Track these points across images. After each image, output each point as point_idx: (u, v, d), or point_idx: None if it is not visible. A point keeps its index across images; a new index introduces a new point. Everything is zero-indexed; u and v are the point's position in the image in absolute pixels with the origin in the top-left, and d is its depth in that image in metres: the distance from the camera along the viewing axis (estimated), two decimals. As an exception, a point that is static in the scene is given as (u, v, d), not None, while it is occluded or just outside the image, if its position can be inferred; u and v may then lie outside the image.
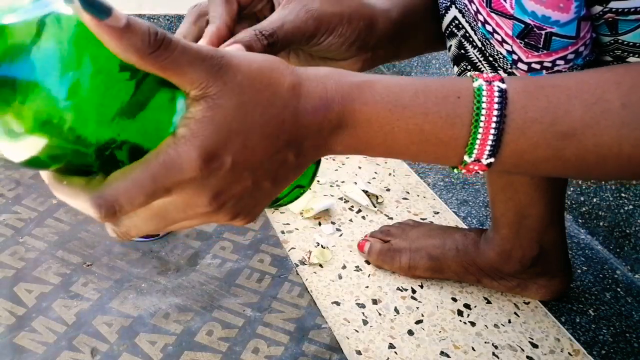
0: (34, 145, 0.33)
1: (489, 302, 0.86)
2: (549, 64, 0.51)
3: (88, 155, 0.35)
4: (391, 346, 0.77)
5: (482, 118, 0.40)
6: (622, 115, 0.40)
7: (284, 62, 0.40)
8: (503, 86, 0.41)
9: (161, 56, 0.33)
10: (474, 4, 0.52)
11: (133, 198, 0.35)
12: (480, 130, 0.40)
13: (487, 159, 0.42)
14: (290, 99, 0.38)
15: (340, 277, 0.88)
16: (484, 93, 0.40)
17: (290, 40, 0.50)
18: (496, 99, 0.40)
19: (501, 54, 0.53)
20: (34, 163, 0.35)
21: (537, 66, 0.52)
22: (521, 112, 0.41)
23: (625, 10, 0.46)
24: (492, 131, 0.40)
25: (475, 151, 0.41)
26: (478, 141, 0.41)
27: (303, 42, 0.51)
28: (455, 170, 0.44)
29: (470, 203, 1.10)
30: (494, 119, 0.40)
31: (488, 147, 0.41)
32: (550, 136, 0.41)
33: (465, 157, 0.42)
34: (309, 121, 0.39)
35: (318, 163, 0.52)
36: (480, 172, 0.44)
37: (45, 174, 0.39)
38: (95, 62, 0.33)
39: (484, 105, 0.40)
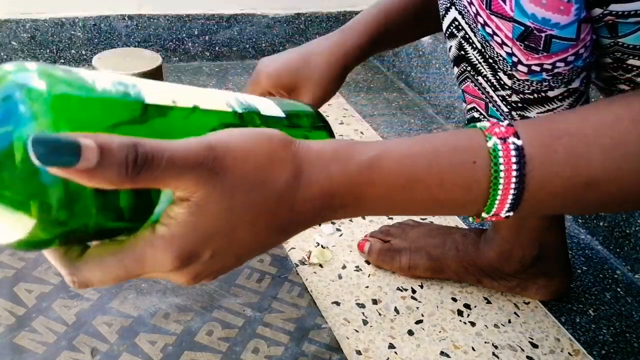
0: (28, 224, 0.32)
1: (489, 302, 0.86)
2: (549, 66, 0.51)
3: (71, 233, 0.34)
4: (391, 346, 0.77)
5: (501, 180, 0.39)
6: None
7: (287, 144, 0.38)
8: (519, 143, 0.39)
9: (141, 178, 0.32)
10: (474, 5, 0.52)
11: (104, 282, 0.35)
12: (500, 193, 0.40)
13: (505, 213, 0.41)
14: (287, 192, 0.37)
15: (340, 277, 0.88)
16: (500, 154, 0.39)
17: None
18: (513, 159, 0.39)
19: (501, 56, 0.53)
20: (32, 244, 0.33)
21: (537, 68, 0.52)
22: (540, 168, 0.40)
23: (625, 12, 0.46)
24: (512, 192, 0.40)
25: (494, 210, 0.41)
26: (497, 202, 0.40)
27: None
28: (471, 219, 0.43)
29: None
30: (513, 179, 0.39)
31: (507, 206, 0.41)
32: (571, 187, 0.40)
33: (484, 214, 0.41)
34: (306, 210, 0.38)
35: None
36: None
37: None
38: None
39: (501, 167, 0.39)
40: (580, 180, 0.40)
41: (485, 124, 0.41)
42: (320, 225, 0.41)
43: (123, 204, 0.34)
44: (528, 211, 0.41)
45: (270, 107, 0.47)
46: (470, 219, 0.43)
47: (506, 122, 0.41)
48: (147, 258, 0.35)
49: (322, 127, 0.51)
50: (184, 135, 0.35)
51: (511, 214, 0.41)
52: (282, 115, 0.47)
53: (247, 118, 0.43)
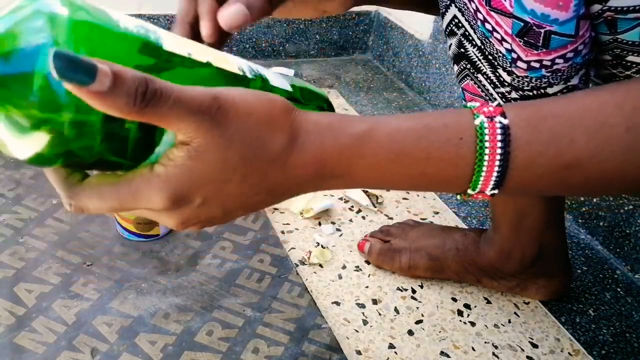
0: (38, 141, 0.34)
1: (489, 302, 0.86)
2: (548, 63, 0.51)
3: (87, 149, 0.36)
4: (391, 346, 0.77)
5: (486, 157, 0.40)
6: (627, 139, 0.40)
7: (288, 110, 0.39)
8: (505, 122, 0.41)
9: (147, 112, 0.33)
10: (474, 2, 0.52)
11: (99, 209, 0.37)
12: (484, 169, 0.41)
13: (490, 190, 0.42)
14: (281, 154, 0.39)
15: (340, 277, 0.88)
16: (487, 132, 0.40)
17: None
18: (499, 137, 0.40)
19: (500, 52, 0.53)
20: (39, 160, 0.35)
21: (537, 64, 0.52)
22: (525, 147, 0.41)
23: (625, 8, 0.46)
24: (496, 169, 0.41)
25: (479, 186, 0.42)
26: (482, 178, 0.41)
27: None
28: (458, 197, 0.44)
29: (470, 203, 1.10)
30: (498, 157, 0.40)
31: (492, 183, 0.42)
32: (555, 168, 0.41)
33: (469, 191, 0.42)
34: (297, 175, 0.40)
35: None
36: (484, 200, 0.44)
37: None
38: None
39: (487, 144, 0.40)
40: (563, 160, 0.41)
41: (475, 103, 0.43)
42: (313, 192, 0.42)
43: (127, 138, 0.36)
44: (513, 190, 0.43)
45: (279, 80, 0.48)
46: (458, 196, 0.44)
47: (496, 102, 0.42)
48: (141, 193, 0.36)
49: (326, 110, 0.51)
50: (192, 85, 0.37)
51: (496, 191, 0.42)
52: (289, 89, 0.49)
53: (254, 84, 0.44)
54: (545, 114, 0.41)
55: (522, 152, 0.41)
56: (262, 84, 0.45)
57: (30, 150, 0.34)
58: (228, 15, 0.47)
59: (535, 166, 0.41)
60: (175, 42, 0.39)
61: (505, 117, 0.41)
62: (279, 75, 0.49)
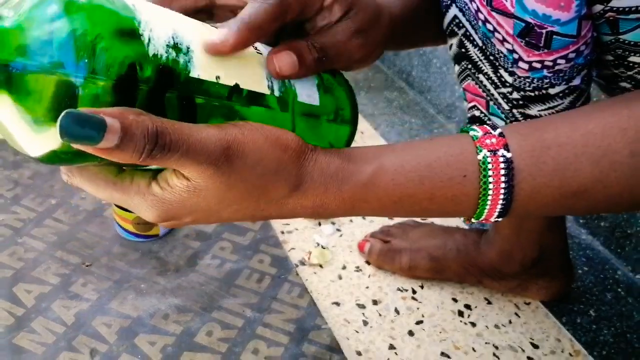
0: (54, 139, 0.33)
1: (489, 302, 0.86)
2: (550, 63, 0.51)
3: None
4: (391, 347, 0.77)
5: (490, 192, 0.41)
6: (631, 164, 0.40)
7: (299, 155, 0.40)
8: (508, 155, 0.41)
9: (154, 162, 0.34)
10: (475, 2, 0.52)
11: (91, 192, 0.39)
12: (488, 203, 0.41)
13: (494, 219, 0.43)
14: (281, 198, 0.40)
15: (340, 277, 0.88)
16: (490, 166, 0.41)
17: (339, 59, 0.47)
18: (502, 171, 0.40)
19: (502, 52, 0.53)
20: (52, 158, 0.35)
21: (538, 65, 0.52)
22: (529, 180, 0.41)
23: (627, 9, 0.46)
24: (500, 202, 0.41)
25: (483, 217, 0.43)
26: (486, 211, 0.42)
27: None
28: (462, 219, 0.46)
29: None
30: (502, 191, 0.41)
31: (496, 214, 0.42)
32: (560, 196, 0.41)
33: (473, 219, 0.43)
34: (294, 212, 0.41)
35: (349, 92, 0.50)
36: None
37: None
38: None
39: (490, 179, 0.41)
40: (569, 190, 0.41)
41: (478, 132, 0.42)
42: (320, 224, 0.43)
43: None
44: (517, 216, 0.44)
45: (309, 91, 0.46)
46: (462, 219, 0.45)
47: (498, 130, 0.42)
48: (134, 201, 0.38)
49: (349, 122, 0.50)
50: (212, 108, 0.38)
51: (500, 219, 0.43)
52: (317, 103, 0.47)
53: (281, 102, 0.44)
54: (549, 143, 0.41)
55: (526, 184, 0.41)
56: (290, 101, 0.44)
57: (45, 147, 0.34)
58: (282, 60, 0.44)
59: (539, 197, 0.41)
60: (203, 65, 0.38)
61: (508, 150, 0.41)
62: (309, 83, 0.46)
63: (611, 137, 0.40)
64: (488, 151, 0.41)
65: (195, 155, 0.35)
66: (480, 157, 0.41)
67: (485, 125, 0.43)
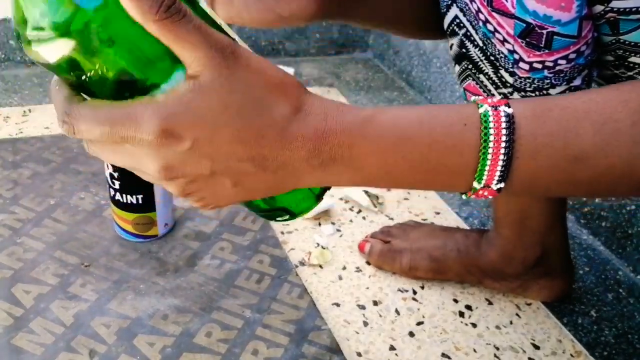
0: (62, 47, 0.35)
1: (490, 303, 0.85)
2: (551, 64, 0.51)
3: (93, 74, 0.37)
4: (392, 348, 0.77)
5: (491, 144, 0.39)
6: (633, 134, 0.39)
7: (300, 86, 0.39)
8: (509, 111, 0.40)
9: (166, 26, 0.34)
10: (475, 3, 0.51)
11: (90, 130, 0.37)
12: (489, 156, 0.40)
13: (496, 184, 0.41)
14: (281, 120, 0.38)
15: (340, 278, 0.88)
16: (491, 119, 0.40)
17: None
18: (503, 124, 0.39)
19: (502, 53, 0.52)
20: (60, 65, 0.37)
21: (539, 65, 0.51)
22: (530, 137, 0.40)
23: (627, 9, 0.46)
24: (502, 157, 0.40)
25: (484, 177, 0.41)
26: (487, 167, 0.40)
27: None
28: (464, 196, 0.43)
29: (471, 203, 1.10)
30: (503, 144, 0.39)
31: (498, 173, 0.40)
32: (562, 160, 0.40)
33: (475, 184, 0.41)
34: (295, 146, 0.39)
35: (320, 197, 0.50)
36: (490, 197, 0.43)
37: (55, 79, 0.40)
38: None
39: (491, 131, 0.39)
40: (570, 152, 0.40)
41: (478, 97, 0.42)
42: (309, 184, 0.41)
43: (140, 61, 0.37)
44: (519, 186, 0.41)
45: None
46: (464, 196, 0.43)
47: (500, 96, 0.41)
48: (134, 116, 0.36)
49: None
50: None
51: (502, 185, 0.41)
52: None
53: None
54: (551, 106, 0.41)
55: (527, 141, 0.40)
56: None
57: (56, 52, 0.36)
58: None
59: (541, 157, 0.40)
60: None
61: (509, 107, 0.40)
62: None
63: (613, 106, 0.40)
64: (489, 106, 0.40)
65: (206, 34, 0.35)
66: (481, 110, 0.40)
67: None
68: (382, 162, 0.40)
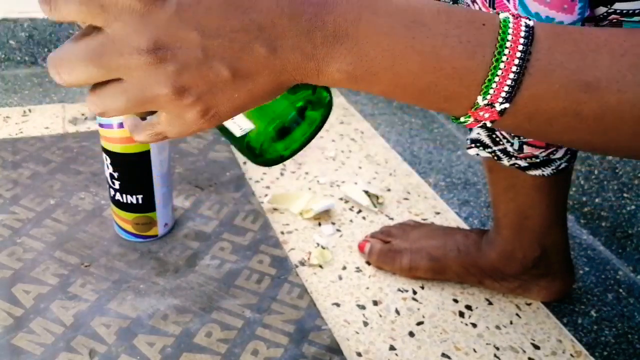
0: None
1: (490, 303, 0.85)
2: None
3: None
4: (392, 348, 0.77)
5: (506, 51, 0.36)
6: None
7: None
8: (530, 23, 0.37)
9: None
10: (477, 4, 0.51)
11: (75, 56, 0.36)
12: (502, 65, 0.36)
13: (502, 103, 0.38)
14: None
15: (340, 278, 0.88)
16: (511, 25, 0.37)
17: None
18: (522, 33, 0.37)
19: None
20: None
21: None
22: (547, 52, 0.37)
23: (630, 11, 0.46)
24: (514, 68, 0.36)
25: (491, 91, 0.37)
26: (497, 78, 0.37)
27: None
28: (462, 119, 0.40)
29: (471, 203, 1.10)
30: (518, 54, 0.36)
31: (506, 87, 0.37)
32: (573, 85, 0.37)
33: (479, 99, 0.38)
34: (295, 13, 0.35)
35: (328, 108, 0.47)
36: (488, 124, 0.40)
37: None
38: None
39: (509, 37, 0.36)
40: (583, 77, 0.37)
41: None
42: (307, 65, 0.36)
43: None
44: (523, 113, 0.38)
45: None
46: (462, 118, 0.40)
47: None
48: None
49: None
50: None
51: (507, 106, 0.38)
52: None
53: None
54: (572, 30, 0.38)
55: (543, 56, 0.37)
56: None
57: None
58: None
59: (553, 77, 0.37)
60: None
61: (530, 21, 0.38)
62: None
63: (635, 41, 0.37)
64: (511, 15, 0.37)
65: None
66: (502, 16, 0.37)
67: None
68: (390, 49, 0.36)
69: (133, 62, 0.35)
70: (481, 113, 0.38)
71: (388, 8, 0.36)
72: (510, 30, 0.36)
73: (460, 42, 0.36)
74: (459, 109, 0.39)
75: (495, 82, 0.37)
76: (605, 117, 0.38)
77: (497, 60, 0.36)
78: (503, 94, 0.37)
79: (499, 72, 0.36)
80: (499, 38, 0.36)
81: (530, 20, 0.38)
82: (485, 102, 0.38)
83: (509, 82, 0.37)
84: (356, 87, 0.38)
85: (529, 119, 0.39)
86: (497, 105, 0.38)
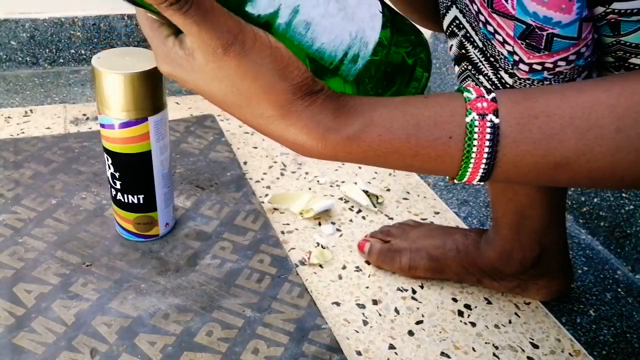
0: None
1: (489, 302, 0.86)
2: (550, 65, 0.51)
3: None
4: (391, 347, 0.77)
5: (473, 156, 0.41)
6: (617, 140, 0.40)
7: (298, 87, 0.41)
8: (496, 121, 0.41)
9: (176, 14, 0.37)
10: (475, 4, 0.52)
11: (144, 28, 0.42)
12: (470, 167, 0.42)
13: (477, 182, 0.44)
14: (266, 117, 0.41)
15: (340, 277, 0.88)
16: (476, 130, 0.41)
17: None
18: (488, 136, 0.41)
19: (502, 54, 0.53)
20: None
21: (539, 67, 0.52)
22: (513, 146, 0.41)
23: (628, 11, 0.46)
24: (483, 166, 0.42)
25: (465, 178, 0.43)
26: (468, 173, 0.43)
27: None
28: (447, 178, 0.46)
29: (470, 203, 1.10)
30: (485, 155, 0.41)
31: (478, 177, 0.43)
32: (543, 166, 0.42)
33: (456, 180, 0.44)
34: (274, 136, 0.42)
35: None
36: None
37: None
38: None
39: (475, 142, 0.41)
40: (551, 159, 0.41)
41: (472, 95, 0.43)
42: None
43: None
44: (500, 181, 0.44)
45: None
46: (447, 178, 0.46)
47: (491, 95, 0.43)
48: (154, 43, 0.42)
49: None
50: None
51: (482, 182, 0.44)
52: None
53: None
54: (537, 112, 0.42)
55: (509, 150, 0.41)
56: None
57: None
58: None
59: (522, 164, 0.42)
60: None
61: (496, 116, 0.41)
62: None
63: (599, 112, 0.41)
64: (477, 114, 0.41)
65: (211, 21, 0.38)
66: (468, 119, 0.42)
67: (480, 88, 0.43)
68: (365, 164, 0.44)
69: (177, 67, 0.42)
70: (464, 182, 0.44)
71: (362, 148, 0.42)
72: (476, 135, 0.41)
73: (429, 157, 0.42)
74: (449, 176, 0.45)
75: (467, 175, 0.43)
76: (580, 182, 0.43)
77: (465, 164, 0.42)
78: (476, 179, 0.43)
79: (469, 171, 0.43)
80: (465, 145, 0.41)
81: (496, 116, 0.41)
82: (462, 182, 0.44)
83: (479, 174, 0.43)
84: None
85: (508, 182, 0.46)
86: (473, 182, 0.44)
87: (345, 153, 0.42)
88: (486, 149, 0.41)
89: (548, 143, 0.41)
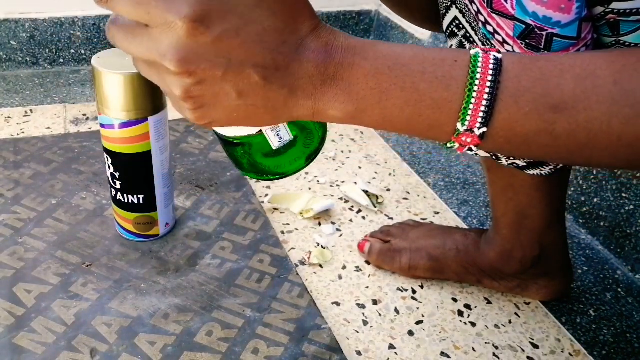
0: None
1: (489, 302, 0.86)
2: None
3: None
4: (391, 347, 0.77)
5: (477, 82, 0.41)
6: (613, 91, 0.40)
7: (314, 12, 0.42)
8: (499, 56, 0.42)
9: None
10: (475, 4, 0.52)
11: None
12: (474, 94, 0.41)
13: (479, 128, 0.42)
14: (301, 30, 0.40)
15: (340, 277, 0.88)
16: (480, 59, 0.41)
17: None
18: (491, 65, 0.41)
19: (502, 54, 0.53)
20: None
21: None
22: (514, 80, 0.41)
23: (627, 11, 0.46)
24: (486, 96, 0.41)
25: (468, 117, 0.41)
26: (472, 105, 0.41)
27: None
28: (449, 145, 0.44)
29: (470, 203, 1.10)
30: (488, 83, 0.41)
31: (481, 113, 0.41)
32: (542, 107, 0.41)
33: (458, 125, 0.42)
34: (307, 58, 0.41)
35: (310, 158, 0.52)
36: (474, 149, 0.44)
37: None
38: None
39: (479, 69, 0.41)
40: (549, 100, 0.41)
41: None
42: (307, 103, 0.43)
43: None
44: (501, 137, 0.43)
45: None
46: (448, 144, 0.44)
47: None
48: None
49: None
50: None
51: (485, 130, 0.42)
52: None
53: None
54: (538, 58, 0.42)
55: (511, 83, 0.41)
56: None
57: None
58: None
59: (522, 102, 0.41)
60: None
61: (499, 53, 0.42)
62: None
63: (598, 64, 0.41)
64: (480, 50, 0.42)
65: None
66: (472, 52, 0.42)
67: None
68: (377, 87, 0.42)
69: (162, 67, 0.40)
70: (463, 138, 0.43)
71: (376, 54, 0.42)
72: (479, 64, 0.41)
73: (436, 77, 0.41)
74: (443, 135, 0.43)
75: (470, 109, 0.41)
76: (578, 134, 0.41)
77: (469, 90, 0.41)
78: (479, 120, 0.41)
79: (473, 101, 0.41)
80: (470, 71, 0.41)
81: (499, 53, 0.42)
82: (465, 127, 0.42)
83: (482, 108, 0.41)
84: (349, 122, 0.44)
85: (508, 141, 0.43)
86: (475, 130, 0.42)
87: (361, 58, 0.42)
88: (489, 77, 0.41)
89: (547, 83, 0.41)
